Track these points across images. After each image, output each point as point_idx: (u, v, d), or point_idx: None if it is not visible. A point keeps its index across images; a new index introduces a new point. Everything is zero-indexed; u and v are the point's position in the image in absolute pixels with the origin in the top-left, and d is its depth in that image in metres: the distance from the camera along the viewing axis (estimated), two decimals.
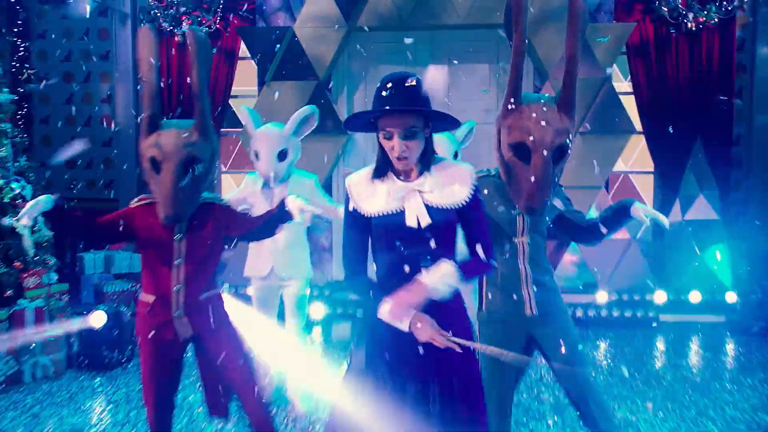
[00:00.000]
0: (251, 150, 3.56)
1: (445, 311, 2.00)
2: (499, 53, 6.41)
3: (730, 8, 6.57)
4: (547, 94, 2.46)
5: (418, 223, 1.98)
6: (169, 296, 2.48)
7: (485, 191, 2.40)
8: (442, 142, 3.69)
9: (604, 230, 2.55)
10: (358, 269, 2.09)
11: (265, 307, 3.67)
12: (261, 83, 6.46)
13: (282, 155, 3.51)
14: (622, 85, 6.82)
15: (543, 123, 2.29)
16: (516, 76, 2.37)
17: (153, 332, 2.49)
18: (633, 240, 6.28)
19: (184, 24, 6.64)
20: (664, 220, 2.49)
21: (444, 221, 2.00)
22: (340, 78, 6.52)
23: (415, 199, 2.00)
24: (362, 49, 6.43)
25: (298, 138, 3.63)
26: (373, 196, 2.03)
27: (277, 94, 6.14)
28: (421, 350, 1.96)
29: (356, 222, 2.06)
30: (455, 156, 3.78)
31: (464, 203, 2.02)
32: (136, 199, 2.57)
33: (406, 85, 1.93)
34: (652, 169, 6.64)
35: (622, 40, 6.13)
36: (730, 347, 5.22)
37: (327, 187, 6.46)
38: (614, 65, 6.38)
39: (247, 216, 2.70)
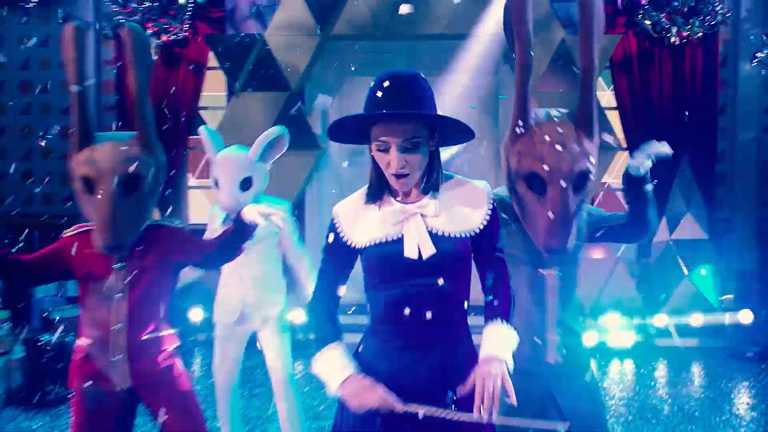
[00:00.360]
0: (211, 177, 3.10)
1: (455, 357, 1.64)
2: (480, 64, 6.16)
3: (713, 23, 6.48)
4: (561, 110, 2.08)
5: (419, 254, 1.60)
6: (107, 338, 2.10)
7: (502, 216, 2.04)
8: None
9: (637, 211, 2.16)
10: (325, 315, 1.71)
11: (226, 359, 3.17)
12: (230, 94, 6.12)
13: (245, 184, 2.99)
14: (604, 94, 6.68)
15: (558, 147, 1.94)
16: (522, 94, 2.01)
17: (87, 383, 2.10)
18: (618, 260, 6.04)
19: (149, 31, 6.31)
20: (665, 149, 2.14)
21: (452, 252, 1.63)
22: (314, 89, 6.22)
23: (416, 225, 1.62)
24: (337, 59, 6.15)
25: (265, 164, 3.13)
26: (365, 224, 1.67)
27: (246, 105, 5.82)
28: (420, 414, 1.54)
29: (338, 254, 1.70)
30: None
31: (479, 230, 1.66)
32: (70, 228, 2.20)
33: (407, 84, 1.59)
34: None
35: (608, 53, 5.95)
36: (728, 374, 4.97)
37: (299, 207, 6.10)
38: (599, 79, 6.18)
39: (201, 239, 2.34)
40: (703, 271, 6.09)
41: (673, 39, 6.42)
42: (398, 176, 1.59)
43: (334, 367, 1.61)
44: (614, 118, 6.29)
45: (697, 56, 6.57)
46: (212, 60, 6.23)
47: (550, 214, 1.91)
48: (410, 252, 1.60)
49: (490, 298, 1.69)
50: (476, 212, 1.66)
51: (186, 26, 6.29)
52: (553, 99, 5.79)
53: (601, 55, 5.65)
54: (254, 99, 5.86)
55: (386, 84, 1.58)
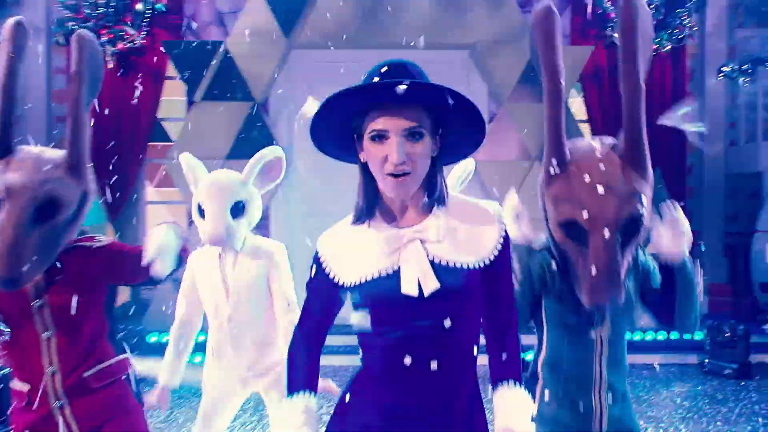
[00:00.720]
0: (194, 206, 2.59)
1: (462, 420, 1.37)
2: (451, 76, 6.02)
3: (680, 36, 6.50)
4: (607, 141, 1.77)
5: (420, 290, 1.32)
6: (42, 382, 1.80)
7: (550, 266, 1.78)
8: None
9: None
10: (313, 348, 1.46)
11: (211, 422, 2.61)
12: (190, 103, 5.82)
13: (237, 210, 2.49)
14: (574, 101, 6.62)
15: (601, 189, 1.64)
16: (554, 128, 1.70)
17: None
18: None
19: (104, 38, 5.98)
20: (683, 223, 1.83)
21: (460, 286, 1.33)
22: (280, 100, 5.96)
23: (416, 253, 1.33)
24: (303, 68, 5.93)
25: (260, 190, 2.63)
26: (354, 256, 1.38)
27: (206, 115, 5.53)
28: None
29: (322, 292, 1.44)
30: None
31: (490, 260, 1.37)
32: None
33: (408, 66, 1.34)
34: None
35: (580, 64, 5.87)
36: (708, 392, 4.85)
37: (264, 221, 5.81)
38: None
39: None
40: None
41: None
42: (397, 175, 1.29)
43: (293, 424, 1.40)
44: (585, 130, 6.22)
45: (666, 69, 6.58)
46: (171, 68, 5.93)
47: (594, 269, 1.61)
48: (409, 288, 1.31)
49: (499, 351, 1.41)
50: (487, 238, 1.37)
51: (143, 33, 6.00)
52: (525, 111, 5.68)
53: (570, 68, 5.58)
54: (215, 109, 5.58)
55: (384, 69, 1.33)
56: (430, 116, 1.32)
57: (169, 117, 6.30)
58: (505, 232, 1.41)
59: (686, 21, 6.49)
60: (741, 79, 6.96)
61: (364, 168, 1.38)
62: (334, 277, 1.40)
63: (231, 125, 5.57)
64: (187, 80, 5.64)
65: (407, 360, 1.31)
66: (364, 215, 1.39)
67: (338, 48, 5.71)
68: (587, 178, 1.65)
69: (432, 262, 1.33)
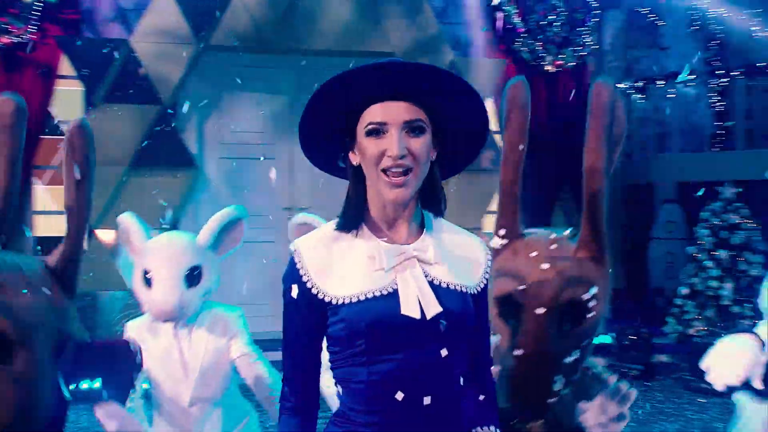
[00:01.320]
0: (136, 272, 2.28)
1: None
2: None
3: (583, 54, 6.85)
4: (564, 230, 1.72)
5: (422, 313, 1.18)
6: None
7: None
8: None
9: None
10: (309, 411, 1.24)
11: None
12: (89, 105, 5.39)
13: (192, 278, 2.23)
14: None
15: (545, 266, 1.56)
16: (508, 194, 1.64)
17: None
18: None
19: None
20: None
21: (459, 310, 1.21)
22: (189, 104, 5.66)
23: (415, 273, 1.20)
24: (216, 71, 5.67)
25: (217, 255, 2.36)
26: (341, 269, 1.21)
27: (108, 119, 5.13)
28: None
29: (308, 314, 1.21)
30: None
31: (479, 288, 1.27)
32: None
33: (408, 64, 1.20)
34: None
35: (494, 76, 6.04)
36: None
37: None
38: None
39: None
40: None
41: (548, 67, 6.69)
42: (396, 173, 1.16)
43: None
44: (497, 138, 6.37)
45: (570, 84, 6.88)
46: (66, 66, 5.46)
47: (520, 352, 1.50)
48: (410, 309, 1.17)
49: (477, 391, 1.31)
50: (477, 265, 1.29)
51: (32, 28, 5.48)
52: None
53: (486, 82, 5.69)
54: (118, 112, 5.20)
55: (381, 65, 1.18)
56: (430, 115, 1.20)
57: (66, 120, 5.79)
58: (490, 258, 1.32)
59: (587, 40, 6.84)
60: (635, 96, 7.49)
61: (355, 173, 1.24)
62: (317, 293, 1.20)
63: (135, 130, 5.21)
64: (86, 80, 5.22)
65: (399, 395, 1.16)
66: (352, 223, 1.23)
67: (253, 52, 5.54)
68: (533, 254, 1.58)
69: (431, 284, 1.21)
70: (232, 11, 5.33)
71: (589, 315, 1.56)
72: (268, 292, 4.99)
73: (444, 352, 1.19)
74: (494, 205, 5.99)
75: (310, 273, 1.20)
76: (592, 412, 1.49)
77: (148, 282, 2.18)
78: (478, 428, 1.29)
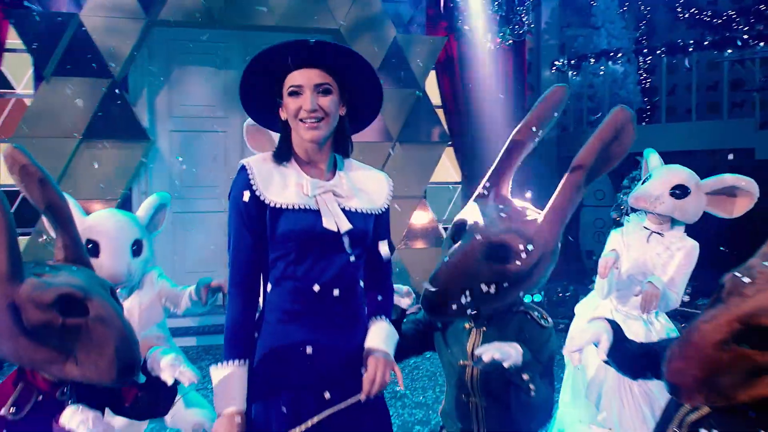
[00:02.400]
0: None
1: (356, 337, 1.67)
2: None
3: (521, 32, 7.16)
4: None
5: (338, 228, 1.58)
6: None
7: None
8: None
9: None
10: (251, 294, 1.60)
11: None
12: (38, 78, 5.42)
13: (137, 249, 2.55)
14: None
15: (501, 215, 1.85)
16: (504, 159, 1.93)
17: None
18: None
19: None
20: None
21: (363, 229, 1.64)
22: (139, 77, 5.74)
23: (330, 201, 1.60)
24: (165, 46, 5.75)
25: (149, 232, 2.70)
26: (281, 184, 1.59)
27: (59, 92, 5.19)
28: (327, 395, 1.58)
29: (254, 217, 1.56)
30: None
31: (382, 210, 1.70)
32: None
33: (318, 40, 1.54)
34: (459, 180, 6.94)
35: (435, 53, 6.29)
36: None
37: (126, 206, 5.59)
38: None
39: None
40: None
41: (488, 44, 6.98)
42: (309, 120, 1.55)
43: (230, 393, 1.54)
44: (440, 113, 6.67)
45: (509, 61, 7.22)
46: (13, 37, 5.45)
47: (450, 258, 1.80)
48: (329, 224, 1.57)
49: (376, 293, 1.73)
50: (379, 193, 1.71)
51: None
52: (387, 94, 5.99)
53: (426, 55, 5.93)
54: (69, 85, 5.24)
55: (294, 42, 1.54)
56: (337, 79, 1.58)
57: (11, 93, 5.80)
58: (391, 189, 1.73)
59: (525, 18, 7.15)
60: (570, 73, 7.89)
61: (284, 125, 1.62)
62: (263, 199, 1.55)
63: (87, 102, 5.26)
64: (35, 52, 5.24)
65: (316, 287, 1.56)
66: (282, 157, 1.62)
67: (200, 27, 5.64)
68: (500, 204, 1.89)
69: (344, 210, 1.60)
70: None
71: (515, 261, 1.78)
72: (219, 259, 5.20)
73: (351, 259, 1.60)
74: (434, 177, 6.34)
75: (257, 183, 1.56)
76: (491, 348, 1.71)
77: (94, 252, 2.44)
78: (374, 317, 1.69)
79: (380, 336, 1.65)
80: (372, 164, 5.42)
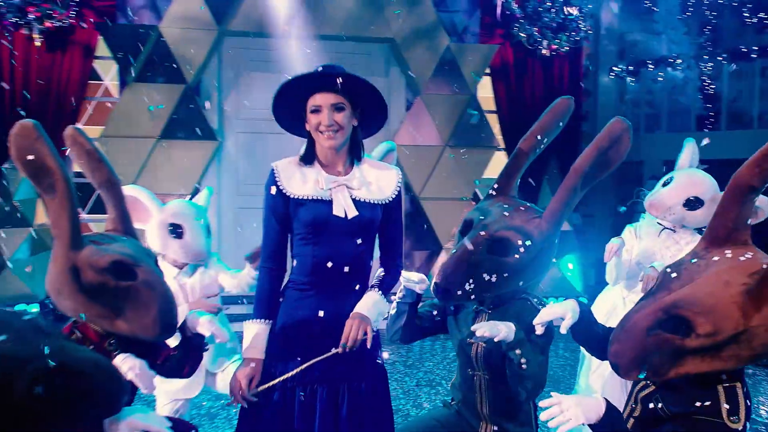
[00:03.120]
0: (160, 227, 2.79)
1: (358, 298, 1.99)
2: (373, 67, 6.51)
3: (577, 39, 7.24)
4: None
5: (345, 215, 1.94)
6: None
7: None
8: None
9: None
10: (278, 269, 2.00)
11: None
12: (123, 85, 6.02)
13: (208, 230, 2.91)
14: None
15: (505, 213, 2.07)
16: (512, 164, 2.17)
17: None
18: None
19: (30, 16, 6.03)
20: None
21: (370, 216, 1.98)
22: (210, 83, 6.25)
23: (343, 193, 1.96)
24: (235, 54, 6.25)
25: None
26: (301, 179, 1.96)
27: (140, 96, 5.77)
28: (333, 350, 1.92)
29: (280, 207, 1.95)
30: None
31: (390, 200, 2.03)
32: None
33: (338, 66, 1.95)
34: None
35: (487, 61, 6.50)
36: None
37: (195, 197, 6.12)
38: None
39: None
40: (570, 265, 6.83)
41: (544, 51, 7.11)
42: (327, 131, 1.90)
43: (253, 344, 1.96)
44: (493, 120, 6.85)
45: (564, 67, 7.32)
46: (102, 48, 6.08)
47: (456, 250, 2.02)
48: (338, 211, 1.93)
49: (382, 271, 2.06)
50: (388, 185, 2.03)
51: (72, 13, 6.09)
52: (439, 100, 6.26)
53: (480, 65, 6.14)
54: (149, 90, 5.81)
55: (320, 68, 1.94)
56: (349, 98, 1.93)
57: (99, 97, 6.45)
58: (401, 184, 2.06)
59: (582, 25, 7.23)
60: (628, 79, 7.88)
61: (309, 134, 1.99)
62: (285, 191, 1.94)
63: (164, 106, 5.82)
64: (121, 61, 5.83)
65: (329, 264, 1.93)
66: (307, 159, 1.99)
67: (267, 37, 6.08)
68: (505, 205, 2.11)
69: (354, 200, 1.95)
70: (249, 0, 5.87)
71: (514, 255, 1.98)
72: None
73: (359, 241, 1.95)
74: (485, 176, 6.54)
75: (282, 180, 1.95)
76: (485, 325, 1.92)
77: (177, 234, 2.77)
78: (370, 289, 2.02)
79: (367, 303, 1.95)
80: (423, 167, 5.91)
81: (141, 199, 2.78)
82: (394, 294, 2.17)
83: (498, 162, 7.13)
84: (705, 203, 2.80)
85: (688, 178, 2.91)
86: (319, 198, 1.95)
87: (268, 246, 2.00)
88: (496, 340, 1.91)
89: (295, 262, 2.00)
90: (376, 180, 2.03)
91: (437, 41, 6.23)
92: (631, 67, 7.77)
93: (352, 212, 1.94)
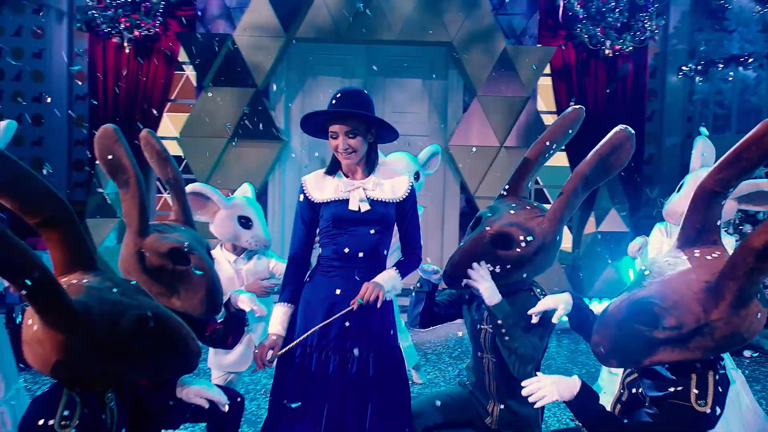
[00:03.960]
0: (231, 219, 3.08)
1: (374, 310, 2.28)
2: (432, 69, 6.74)
3: (643, 38, 7.16)
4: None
5: (359, 209, 2.29)
6: None
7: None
8: (402, 160, 3.85)
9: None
10: (302, 262, 2.36)
11: None
12: (199, 89, 6.53)
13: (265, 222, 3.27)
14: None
15: (511, 211, 2.28)
16: (522, 167, 2.38)
17: None
18: None
19: (122, 26, 6.65)
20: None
21: (382, 211, 2.32)
22: (279, 86, 6.67)
23: (358, 192, 2.32)
24: (300, 59, 6.63)
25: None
26: (324, 188, 2.34)
27: (214, 99, 6.26)
28: (347, 323, 2.25)
29: (306, 211, 2.33)
30: (416, 177, 3.89)
31: (401, 199, 2.36)
32: None
33: (352, 95, 2.26)
34: None
35: (544, 62, 6.57)
36: None
37: (263, 194, 6.60)
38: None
39: None
40: (631, 270, 6.79)
41: (607, 51, 7.08)
42: (344, 154, 2.27)
43: (276, 322, 2.31)
44: (551, 120, 6.89)
45: (627, 68, 7.26)
46: (182, 55, 6.61)
47: (463, 243, 2.31)
48: (353, 206, 2.29)
49: (402, 257, 2.41)
50: (400, 187, 2.38)
51: (157, 23, 6.66)
52: (496, 102, 6.40)
53: (537, 65, 6.22)
54: (222, 94, 6.29)
55: (338, 96, 2.28)
56: (362, 122, 2.26)
57: (180, 99, 7.02)
58: (412, 187, 2.37)
59: (648, 24, 7.14)
60: (697, 78, 7.68)
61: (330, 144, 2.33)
62: (311, 198, 2.33)
63: (236, 108, 6.28)
64: (198, 67, 6.34)
65: (346, 250, 2.28)
66: (332, 170, 2.35)
67: (330, 42, 6.44)
68: (513, 204, 2.32)
69: (368, 199, 2.28)
70: (314, 9, 6.21)
71: (515, 249, 2.19)
72: None
73: (372, 231, 2.28)
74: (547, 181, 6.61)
75: (309, 189, 2.32)
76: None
77: (247, 225, 3.08)
78: (393, 267, 2.32)
79: (383, 276, 2.29)
80: (479, 166, 6.18)
81: (209, 195, 3.06)
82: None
83: (555, 162, 7.18)
84: None
85: (694, 182, 2.96)
86: (339, 199, 2.31)
87: (295, 242, 2.37)
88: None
89: (320, 250, 2.37)
90: (389, 183, 2.36)
91: (494, 44, 6.37)
92: (700, 66, 7.58)
93: (365, 207, 2.29)
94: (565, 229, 8.06)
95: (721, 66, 7.39)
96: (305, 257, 2.37)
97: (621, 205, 6.66)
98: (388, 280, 2.27)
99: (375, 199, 2.31)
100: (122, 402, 1.88)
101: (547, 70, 6.92)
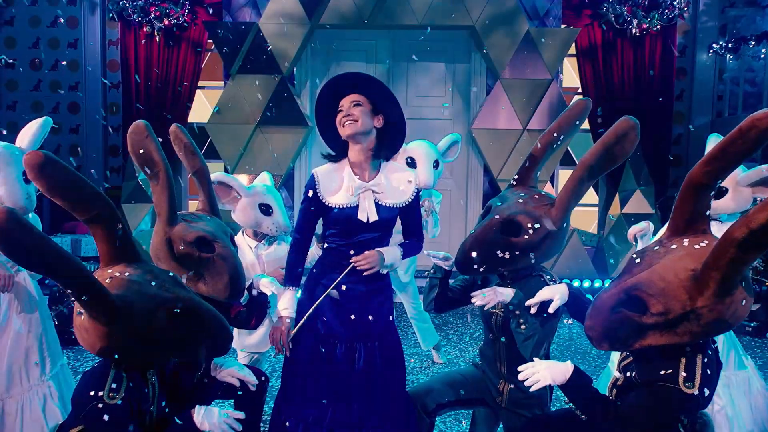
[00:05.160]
0: (253, 206, 3.20)
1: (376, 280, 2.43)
2: (455, 53, 6.77)
3: (671, 16, 7.04)
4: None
5: (368, 218, 2.39)
6: None
7: None
8: (421, 147, 3.89)
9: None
10: (304, 247, 2.47)
11: None
12: (226, 76, 6.69)
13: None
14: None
15: (519, 200, 2.34)
16: (530, 159, 2.43)
17: None
18: (574, 230, 6.70)
19: (152, 15, 6.84)
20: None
21: (387, 217, 2.42)
22: (303, 73, 6.78)
23: (369, 200, 2.38)
24: (324, 45, 6.71)
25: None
26: (336, 191, 2.38)
27: (241, 86, 6.41)
28: (352, 316, 2.37)
29: (313, 207, 2.39)
30: (436, 165, 3.93)
31: (406, 204, 2.46)
32: None
33: (360, 73, 2.35)
34: None
35: (568, 44, 6.53)
36: None
37: (289, 179, 6.76)
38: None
39: None
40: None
41: (634, 30, 6.98)
42: (346, 121, 2.30)
43: (285, 304, 2.41)
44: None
45: (655, 47, 7.15)
46: (210, 43, 6.77)
47: (474, 231, 2.34)
48: (362, 216, 2.38)
49: (405, 240, 2.55)
50: (405, 191, 2.46)
51: (186, 11, 6.83)
52: (518, 85, 6.41)
53: (560, 46, 6.17)
54: (249, 81, 6.43)
55: (341, 77, 2.38)
56: (370, 101, 2.33)
57: (208, 86, 7.19)
58: (417, 190, 2.46)
59: (677, 2, 7.00)
60: (728, 56, 7.52)
61: (343, 142, 2.40)
62: (322, 199, 2.38)
63: (262, 94, 6.42)
64: (225, 55, 6.49)
65: (351, 252, 2.38)
66: (336, 159, 2.42)
67: (354, 29, 6.50)
68: (521, 193, 2.39)
69: (376, 203, 2.37)
70: None
71: (523, 236, 2.26)
72: None
73: (376, 235, 2.38)
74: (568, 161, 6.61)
75: (319, 187, 2.37)
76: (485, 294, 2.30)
77: (267, 212, 3.20)
78: (396, 245, 2.45)
79: (388, 249, 2.43)
80: (502, 149, 6.21)
81: (231, 184, 3.18)
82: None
83: (579, 144, 7.16)
84: (729, 190, 2.92)
85: None
86: (349, 205, 2.37)
87: (296, 232, 2.45)
88: (490, 304, 2.28)
89: (325, 244, 2.47)
90: (396, 185, 2.43)
91: (517, 26, 6.35)
92: (731, 44, 7.42)
93: (374, 217, 2.38)
94: (590, 210, 8.07)
95: (753, 43, 7.23)
96: (307, 243, 2.47)
97: (647, 186, 6.62)
98: (389, 253, 2.40)
99: (383, 204, 2.40)
100: (162, 380, 2.06)
101: (572, 50, 6.88)
